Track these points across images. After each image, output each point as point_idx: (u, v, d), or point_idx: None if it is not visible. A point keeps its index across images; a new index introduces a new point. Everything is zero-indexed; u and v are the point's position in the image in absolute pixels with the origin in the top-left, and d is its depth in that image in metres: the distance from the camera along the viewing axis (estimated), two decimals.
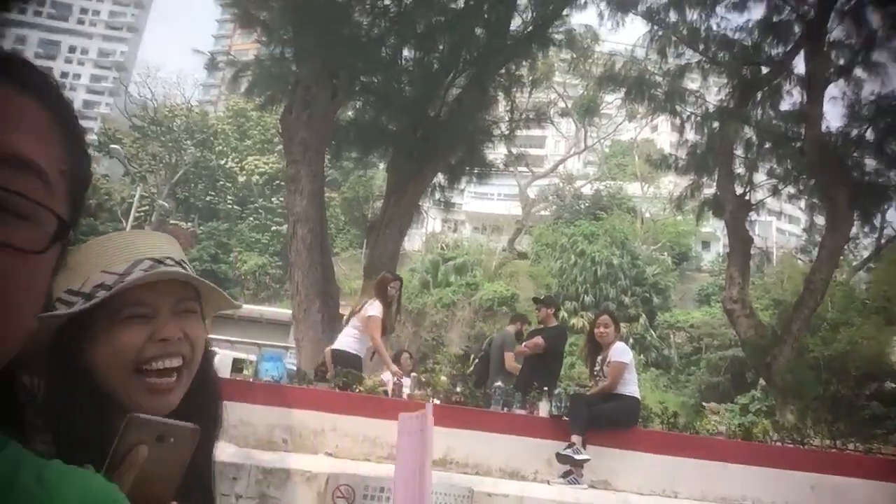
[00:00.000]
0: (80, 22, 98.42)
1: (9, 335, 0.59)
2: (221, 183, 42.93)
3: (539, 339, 7.80)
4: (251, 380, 6.73)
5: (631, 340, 24.40)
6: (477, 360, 8.28)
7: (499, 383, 6.80)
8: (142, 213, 37.19)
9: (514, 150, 21.15)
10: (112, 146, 33.40)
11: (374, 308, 7.12)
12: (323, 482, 5.03)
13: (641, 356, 25.76)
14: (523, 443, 5.90)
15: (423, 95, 12.49)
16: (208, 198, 42.45)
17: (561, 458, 5.60)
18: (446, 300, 26.98)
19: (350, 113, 13.85)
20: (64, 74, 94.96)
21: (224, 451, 5.15)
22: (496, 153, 17.34)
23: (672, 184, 25.31)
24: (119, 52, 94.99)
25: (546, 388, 6.43)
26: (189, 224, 40.31)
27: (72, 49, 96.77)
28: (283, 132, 11.49)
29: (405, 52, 13.07)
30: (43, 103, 0.62)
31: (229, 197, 42.56)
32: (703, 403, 13.06)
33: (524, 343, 8.09)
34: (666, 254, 39.51)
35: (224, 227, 40.42)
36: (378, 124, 12.98)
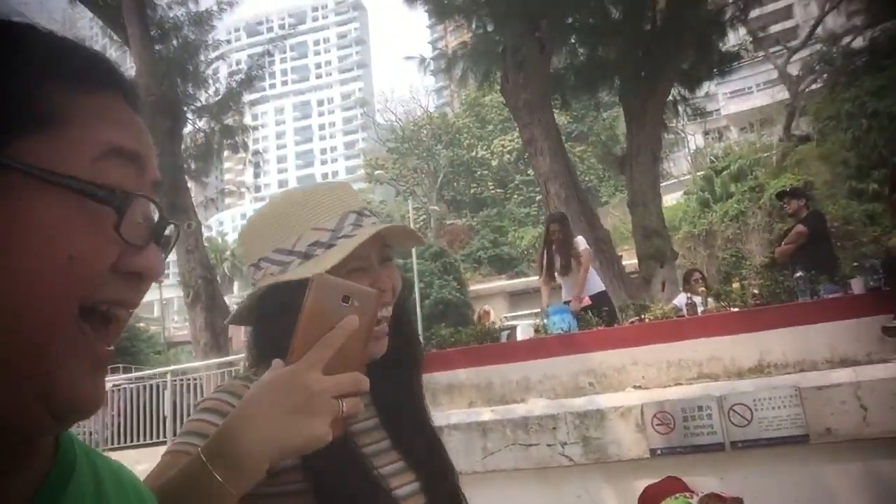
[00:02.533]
0: (318, 76, 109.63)
1: None
2: (479, 173, 44.89)
3: (799, 227, 7.56)
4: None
5: None
6: None
7: (799, 273, 6.22)
8: (420, 223, 40.19)
9: (757, 33, 19.11)
10: (377, 172, 36.47)
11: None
12: (638, 414, 5.03)
13: None
14: (843, 326, 5.34)
15: (631, 11, 11.83)
16: (472, 190, 44.59)
17: (889, 330, 4.98)
18: (732, 212, 25.13)
19: (563, 60, 13.57)
20: (321, 126, 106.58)
21: (537, 405, 5.40)
22: (734, 43, 15.85)
23: None
24: (357, 90, 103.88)
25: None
26: (463, 220, 42.61)
27: (320, 102, 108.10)
28: (507, 101, 11.68)
29: None
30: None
31: (490, 183, 44.32)
32: None
33: (783, 241, 7.84)
34: None
35: (494, 213, 42.09)
36: (594, 59, 12.57)
